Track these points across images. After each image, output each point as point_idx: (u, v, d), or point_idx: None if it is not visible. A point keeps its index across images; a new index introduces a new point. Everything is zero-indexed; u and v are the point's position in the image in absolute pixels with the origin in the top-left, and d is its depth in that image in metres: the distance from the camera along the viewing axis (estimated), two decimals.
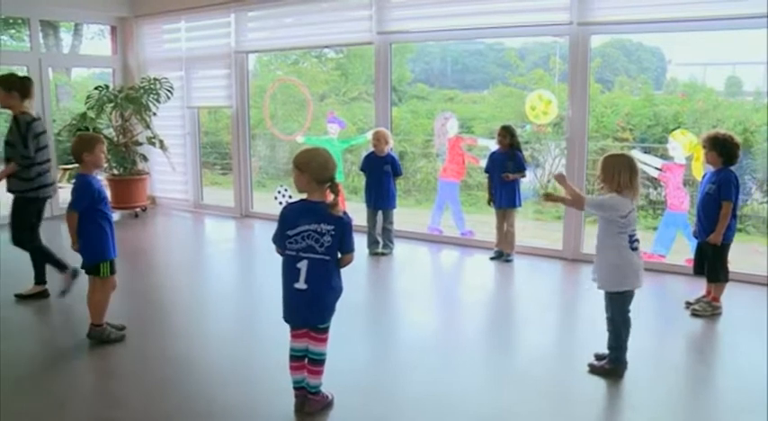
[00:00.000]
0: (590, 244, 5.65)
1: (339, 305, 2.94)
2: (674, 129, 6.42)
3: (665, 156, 6.00)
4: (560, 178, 3.51)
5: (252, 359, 3.68)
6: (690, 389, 3.39)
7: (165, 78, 8.06)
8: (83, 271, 3.90)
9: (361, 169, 6.18)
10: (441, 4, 6.18)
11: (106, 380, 3.54)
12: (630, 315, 3.37)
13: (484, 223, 6.82)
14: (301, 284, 2.81)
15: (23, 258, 4.67)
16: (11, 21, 9.81)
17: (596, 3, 5.42)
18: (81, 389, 3.36)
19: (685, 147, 5.55)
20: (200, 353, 3.76)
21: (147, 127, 7.99)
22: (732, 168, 4.25)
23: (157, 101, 7.95)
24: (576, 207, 3.51)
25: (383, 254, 6.06)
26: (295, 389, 3.00)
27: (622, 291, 3.33)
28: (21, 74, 5.22)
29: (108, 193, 4.45)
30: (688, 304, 4.46)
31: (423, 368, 3.55)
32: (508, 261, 5.79)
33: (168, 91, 8.02)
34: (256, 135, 9.86)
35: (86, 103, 7.87)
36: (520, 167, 5.69)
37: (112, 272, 3.87)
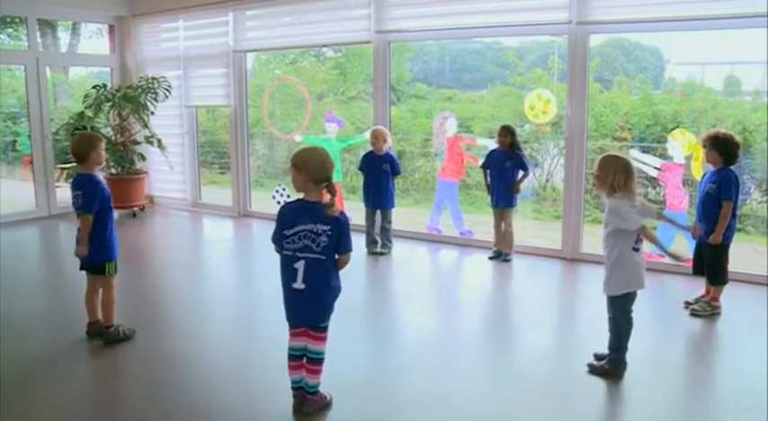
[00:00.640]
0: (589, 243, 5.68)
1: (337, 305, 2.93)
2: (672, 129, 6.41)
3: (663, 156, 6.00)
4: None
5: (251, 359, 3.67)
6: (689, 389, 3.38)
7: (163, 77, 8.04)
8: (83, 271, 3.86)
9: (360, 168, 6.17)
10: (439, 4, 6.17)
11: (105, 380, 3.53)
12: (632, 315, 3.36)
13: (483, 223, 6.81)
14: (299, 284, 2.81)
15: (23, 258, 4.65)
16: (8, 19, 9.77)
17: (595, 2, 5.41)
18: (80, 389, 3.34)
19: (684, 147, 5.55)
20: (198, 353, 3.75)
21: (145, 126, 7.97)
22: (732, 168, 4.24)
23: (155, 100, 7.93)
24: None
25: (382, 253, 6.05)
26: (293, 389, 2.99)
27: (626, 293, 3.32)
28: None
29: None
30: (687, 304, 4.45)
31: (422, 368, 3.55)
32: (507, 261, 5.78)
33: (166, 90, 8.01)
34: (254, 134, 9.85)
35: (84, 102, 7.85)
36: (521, 167, 5.69)
37: (116, 271, 3.86)
